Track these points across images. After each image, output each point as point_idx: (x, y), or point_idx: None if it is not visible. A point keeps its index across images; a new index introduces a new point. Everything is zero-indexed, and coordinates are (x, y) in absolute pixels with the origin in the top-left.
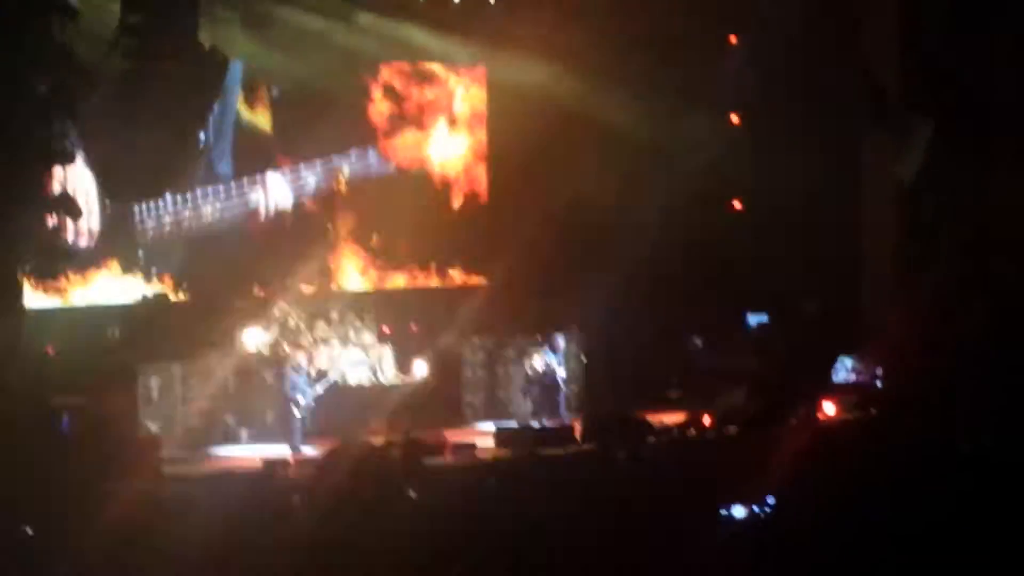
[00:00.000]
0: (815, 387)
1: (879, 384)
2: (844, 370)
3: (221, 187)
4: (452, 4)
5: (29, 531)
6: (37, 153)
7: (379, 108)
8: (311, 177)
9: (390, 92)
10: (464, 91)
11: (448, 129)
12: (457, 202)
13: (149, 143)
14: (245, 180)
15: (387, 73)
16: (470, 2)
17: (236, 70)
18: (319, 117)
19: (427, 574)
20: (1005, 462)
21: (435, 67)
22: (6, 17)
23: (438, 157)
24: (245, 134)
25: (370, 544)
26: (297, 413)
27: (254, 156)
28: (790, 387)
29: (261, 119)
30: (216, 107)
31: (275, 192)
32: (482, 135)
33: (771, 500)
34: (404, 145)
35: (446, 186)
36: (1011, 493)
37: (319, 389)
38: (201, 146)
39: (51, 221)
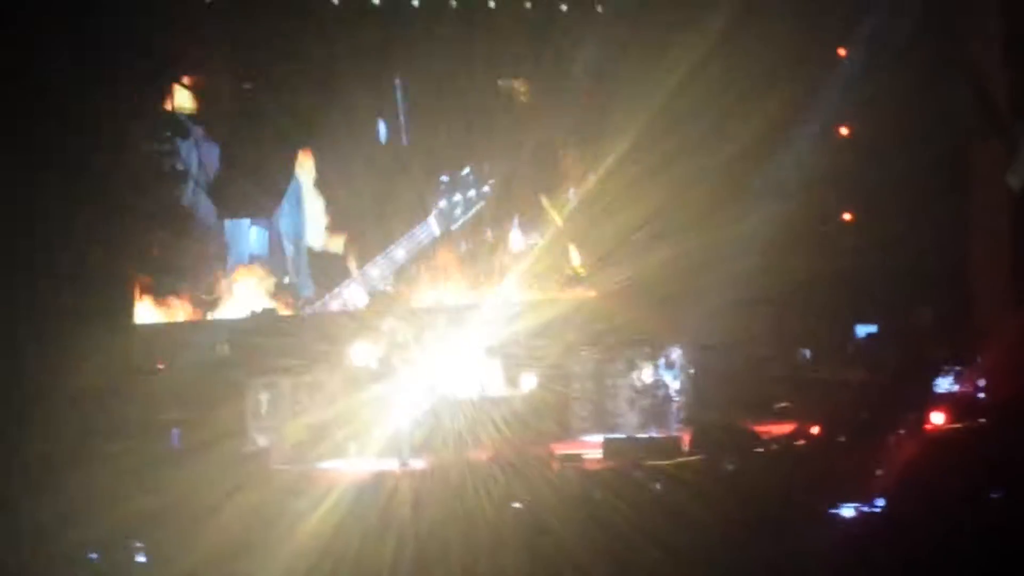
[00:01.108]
0: (922, 397)
1: (981, 396)
2: (947, 381)
3: (306, 309)
4: None
5: (139, 544)
6: (148, 171)
7: None
8: (376, 271)
9: None
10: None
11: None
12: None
13: (261, 160)
14: (326, 296)
15: None
16: None
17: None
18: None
19: None
20: None
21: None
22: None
23: None
24: (319, 260)
25: (477, 554)
26: (405, 427)
27: (331, 275)
28: (898, 397)
29: (332, 243)
30: (291, 248)
31: (349, 297)
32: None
33: (880, 501)
34: None
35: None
36: None
37: (427, 403)
38: (286, 282)
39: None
